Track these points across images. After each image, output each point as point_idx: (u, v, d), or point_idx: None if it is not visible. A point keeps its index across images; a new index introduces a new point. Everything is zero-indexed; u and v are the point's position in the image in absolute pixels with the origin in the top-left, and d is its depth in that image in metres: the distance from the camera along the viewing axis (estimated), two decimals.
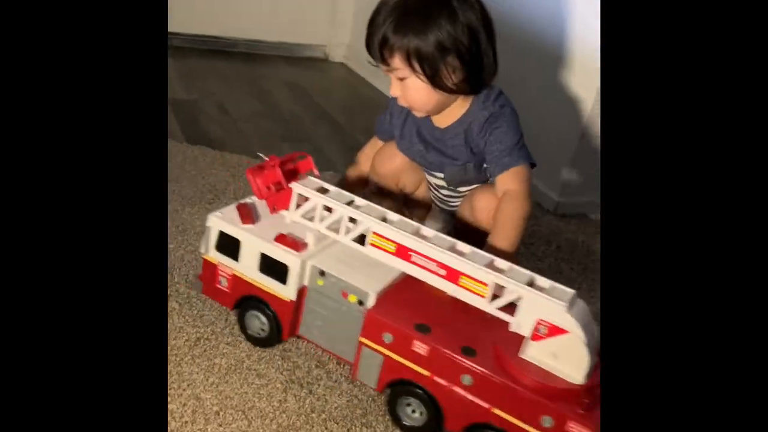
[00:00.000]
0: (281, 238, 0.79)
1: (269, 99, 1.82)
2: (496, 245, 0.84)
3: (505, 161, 0.88)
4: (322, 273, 0.77)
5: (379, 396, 0.77)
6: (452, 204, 1.02)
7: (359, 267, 0.77)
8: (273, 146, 1.50)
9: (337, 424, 0.73)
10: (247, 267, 0.80)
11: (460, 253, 0.71)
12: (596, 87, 1.29)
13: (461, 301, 0.72)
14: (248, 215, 0.82)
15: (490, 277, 0.68)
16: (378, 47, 0.85)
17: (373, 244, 0.75)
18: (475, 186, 0.97)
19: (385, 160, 1.01)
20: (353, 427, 0.73)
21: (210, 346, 0.80)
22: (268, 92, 1.87)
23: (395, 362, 0.72)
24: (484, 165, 0.93)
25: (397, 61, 0.84)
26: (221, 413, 0.71)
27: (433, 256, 0.71)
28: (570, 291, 0.68)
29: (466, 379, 0.68)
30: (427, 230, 0.75)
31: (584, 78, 1.32)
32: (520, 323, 0.67)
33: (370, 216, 0.75)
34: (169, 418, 0.68)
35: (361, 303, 0.75)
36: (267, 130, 1.59)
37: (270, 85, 1.93)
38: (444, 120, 0.93)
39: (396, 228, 0.73)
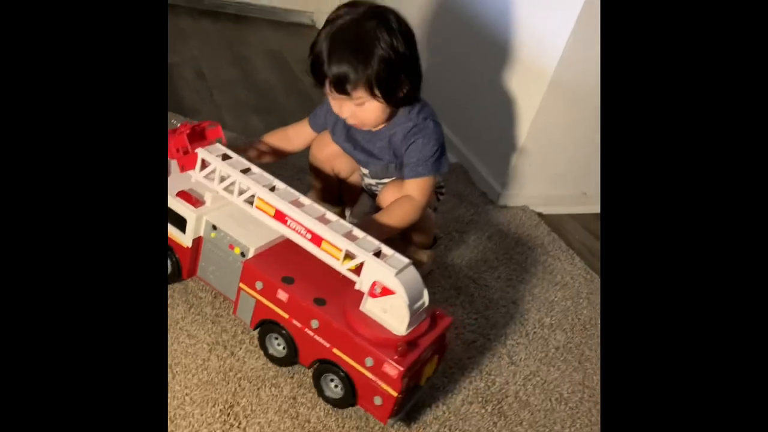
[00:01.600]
0: (183, 194, 0.92)
1: (248, 66, 1.89)
2: (374, 218, 0.97)
3: (418, 170, 1.00)
4: (215, 227, 0.91)
5: (295, 366, 0.89)
6: (376, 191, 1.13)
7: (246, 225, 0.92)
8: (242, 117, 1.59)
9: (250, 382, 0.85)
10: None
11: (326, 222, 0.85)
12: (546, 82, 1.37)
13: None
14: None
15: (343, 244, 0.82)
16: (336, 85, 0.93)
17: (258, 207, 0.89)
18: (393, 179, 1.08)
19: (322, 146, 1.12)
20: (263, 386, 0.85)
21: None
22: (248, 59, 1.94)
23: (264, 305, 0.87)
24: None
25: (360, 93, 0.93)
26: None
27: (303, 222, 0.85)
28: (404, 260, 0.81)
29: (314, 323, 0.82)
30: (305, 200, 0.88)
31: (533, 75, 1.40)
32: (362, 282, 0.82)
33: (257, 184, 0.88)
34: None
35: (243, 255, 0.89)
36: (239, 100, 1.67)
37: (251, 52, 2.00)
38: (370, 126, 1.02)
39: (277, 196, 0.86)
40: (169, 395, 0.80)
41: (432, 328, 0.83)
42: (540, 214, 1.53)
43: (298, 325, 0.84)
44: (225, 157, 0.92)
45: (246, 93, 1.73)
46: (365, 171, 1.10)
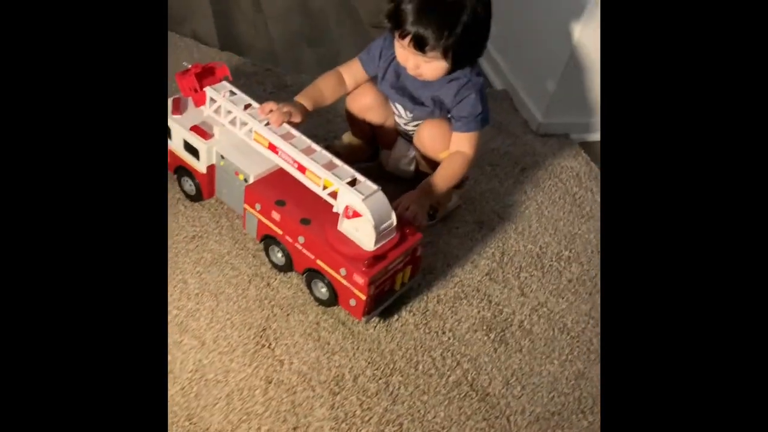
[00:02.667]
0: (195, 128, 1.09)
1: None
2: (433, 181, 1.08)
3: (470, 125, 1.08)
4: (223, 157, 1.07)
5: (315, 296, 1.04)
6: (412, 133, 1.21)
7: (249, 154, 1.06)
8: (294, 50, 1.68)
9: (281, 309, 1.01)
10: (177, 146, 1.12)
11: (310, 152, 0.98)
12: (584, 10, 1.34)
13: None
14: (178, 107, 1.11)
15: (322, 173, 0.95)
16: (415, 43, 0.98)
17: (255, 139, 1.02)
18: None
19: (359, 96, 1.18)
20: (292, 312, 1.01)
21: (201, 243, 1.09)
22: None
23: (263, 223, 1.03)
24: (449, 114, 1.11)
25: (434, 54, 0.99)
26: (199, 294, 1.01)
27: (290, 153, 0.98)
28: (373, 187, 0.94)
29: (301, 239, 0.99)
30: (295, 133, 1.01)
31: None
32: (338, 206, 0.95)
33: (254, 119, 1.01)
34: None
35: (245, 180, 1.05)
36: (292, 32, 1.75)
37: None
38: (428, 79, 1.07)
39: (269, 130, 1.00)
40: (213, 320, 0.97)
41: (401, 242, 0.97)
42: (583, 143, 1.54)
43: (290, 240, 1.01)
44: (232, 94, 1.07)
45: (300, 22, 1.80)
46: (405, 115, 1.17)
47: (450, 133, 1.11)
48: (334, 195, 0.96)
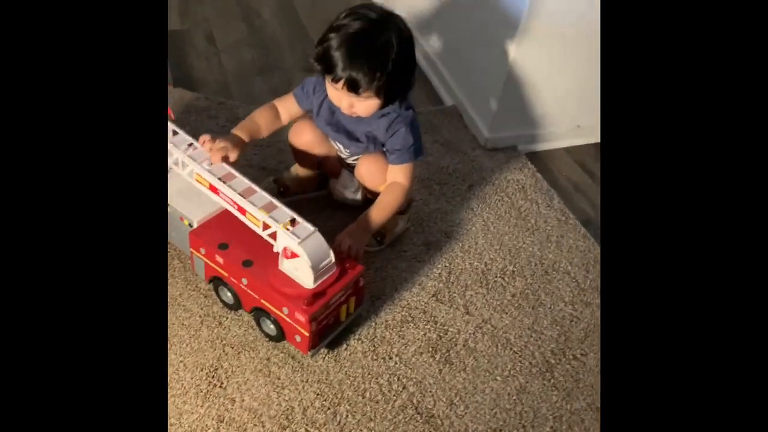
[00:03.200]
0: None
1: (257, 21, 1.98)
2: (369, 216, 1.12)
3: (403, 157, 1.13)
4: (168, 204, 1.11)
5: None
6: (353, 164, 1.25)
7: (192, 199, 1.11)
8: (246, 82, 1.72)
9: (233, 348, 1.06)
10: None
11: (250, 193, 1.02)
12: (520, 27, 1.39)
13: None
14: None
15: (261, 216, 1.00)
16: (349, 86, 1.02)
17: (197, 180, 1.07)
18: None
19: (299, 134, 1.23)
20: (243, 350, 1.05)
21: None
22: (256, 12, 2.03)
23: (209, 266, 1.08)
24: (383, 149, 1.16)
25: (367, 94, 1.03)
26: None
27: (230, 195, 1.02)
28: (310, 229, 0.98)
29: (245, 281, 1.03)
30: (235, 174, 1.05)
31: (507, 16, 1.42)
32: (278, 246, 1.00)
33: (194, 161, 1.05)
34: None
35: (190, 225, 1.10)
36: (245, 63, 1.79)
37: (260, 2, 2.08)
38: (362, 116, 1.12)
39: (209, 172, 1.04)
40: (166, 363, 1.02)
41: (341, 277, 1.02)
42: (530, 154, 1.59)
43: (234, 281, 1.05)
44: (174, 133, 1.10)
45: (252, 53, 1.84)
46: (343, 151, 1.22)
47: (386, 166, 1.16)
48: (273, 236, 1.00)
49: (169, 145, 1.07)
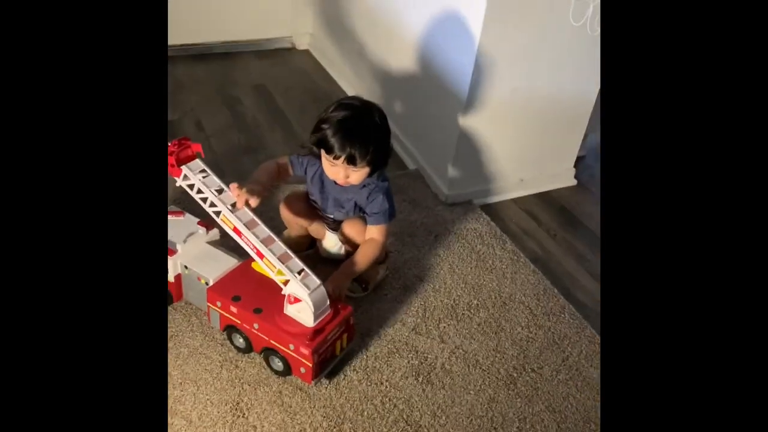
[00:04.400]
0: None
1: (238, 107, 2.26)
2: (351, 264, 1.36)
3: (379, 219, 1.39)
4: (186, 267, 1.32)
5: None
6: (335, 227, 1.51)
7: (208, 262, 1.33)
8: (235, 161, 1.97)
9: (250, 385, 1.26)
10: None
11: (270, 242, 1.23)
12: (465, 100, 1.68)
13: (262, 279, 1.25)
14: None
15: (277, 264, 1.21)
16: (348, 161, 1.27)
17: (222, 221, 1.23)
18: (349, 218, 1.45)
19: (290, 207, 1.50)
20: (259, 387, 1.26)
21: (178, 340, 1.34)
22: (238, 99, 2.30)
23: (224, 316, 1.28)
24: (362, 213, 1.42)
25: (361, 165, 1.29)
26: (182, 383, 1.25)
27: (251, 239, 1.23)
28: (316, 282, 1.20)
29: (255, 325, 1.24)
30: (258, 222, 1.24)
31: (451, 95, 1.72)
32: (286, 290, 1.21)
33: (223, 204, 1.22)
34: None
35: (207, 284, 1.30)
36: (232, 144, 2.05)
37: (240, 91, 2.36)
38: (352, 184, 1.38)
39: (236, 217, 1.21)
40: (196, 402, 1.22)
41: (335, 316, 1.23)
42: (484, 206, 1.86)
43: (247, 327, 1.26)
44: (203, 173, 1.25)
45: (238, 135, 2.10)
46: (328, 215, 1.47)
47: (365, 227, 1.41)
48: (284, 282, 1.23)
49: (202, 185, 1.22)
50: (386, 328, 1.42)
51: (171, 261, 1.34)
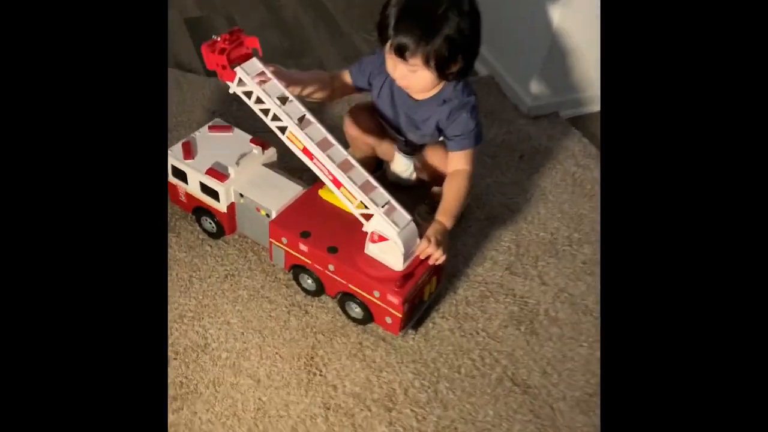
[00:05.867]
0: (210, 171, 1.11)
1: (275, 2, 1.95)
2: (441, 220, 1.07)
3: (464, 143, 1.11)
4: (241, 195, 1.11)
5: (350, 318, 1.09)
6: (408, 151, 1.25)
7: (267, 189, 1.11)
8: (278, 63, 1.69)
9: (324, 335, 1.07)
10: (194, 189, 1.15)
11: (348, 167, 1.00)
12: (561, 2, 1.38)
13: (338, 209, 1.06)
14: (189, 152, 1.14)
15: (358, 195, 0.99)
16: (396, 50, 1.00)
17: (289, 138, 1.00)
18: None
19: (353, 124, 1.23)
20: (335, 337, 1.07)
21: (235, 281, 1.13)
22: None
23: (291, 254, 1.08)
24: (440, 138, 1.16)
25: (416, 61, 1.01)
26: (244, 333, 1.06)
27: (327, 165, 0.99)
28: (407, 218, 0.99)
29: (331, 267, 1.04)
30: (332, 140, 1.00)
31: None
32: (368, 227, 1.00)
33: (289, 117, 0.98)
34: (210, 341, 1.04)
35: (268, 215, 1.09)
36: (272, 46, 1.76)
37: None
38: (420, 94, 1.11)
39: (306, 135, 0.98)
40: (263, 356, 1.03)
41: (426, 258, 1.02)
42: (572, 119, 1.59)
43: (320, 268, 1.05)
44: (262, 80, 1.00)
45: (278, 36, 1.81)
46: (401, 138, 1.21)
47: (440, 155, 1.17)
48: (366, 216, 1.00)
49: (261, 93, 0.98)
50: (475, 267, 1.20)
51: (223, 188, 1.11)
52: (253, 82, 0.99)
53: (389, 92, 1.15)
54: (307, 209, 1.09)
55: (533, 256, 1.24)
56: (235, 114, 1.49)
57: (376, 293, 1.00)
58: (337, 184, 1.00)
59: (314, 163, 1.01)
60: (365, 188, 0.99)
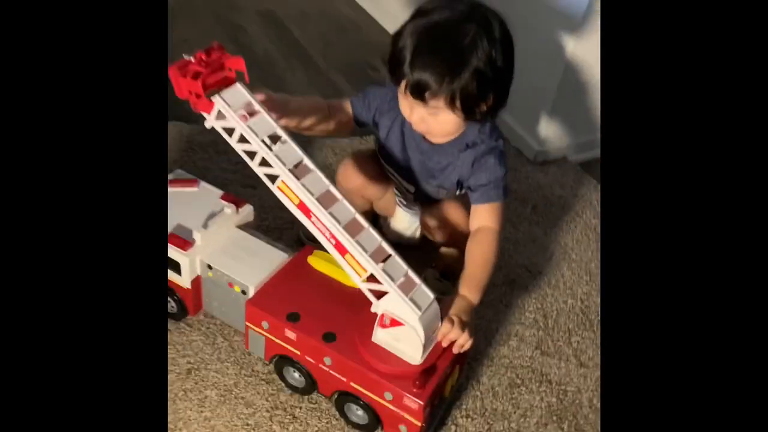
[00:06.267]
0: (171, 238, 0.87)
1: (243, 38, 1.75)
2: (466, 294, 0.85)
3: (491, 194, 0.90)
4: (210, 267, 0.88)
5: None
6: (413, 208, 1.05)
7: (243, 258, 0.89)
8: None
9: None
10: None
11: (357, 229, 0.77)
12: (572, 36, 1.22)
13: (334, 282, 0.87)
14: None
15: (369, 266, 0.76)
16: (413, 89, 0.81)
17: (280, 189, 0.77)
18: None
19: (349, 177, 1.01)
20: None
21: (200, 377, 0.89)
22: (242, 29, 1.79)
23: (274, 342, 0.85)
24: (458, 191, 0.95)
25: (438, 103, 0.81)
26: None
27: (330, 226, 0.76)
28: (429, 297, 0.78)
29: (327, 360, 0.81)
30: (335, 194, 0.78)
31: (564, 17, 1.25)
32: (378, 307, 0.78)
33: (283, 165, 0.75)
34: None
35: (244, 293, 0.87)
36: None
37: (243, 18, 1.84)
38: (437, 137, 0.91)
39: (304, 186, 0.75)
40: None
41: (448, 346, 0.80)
42: (584, 164, 1.42)
43: (311, 360, 0.82)
44: (248, 112, 0.77)
45: (248, 72, 1.60)
46: (410, 189, 1.00)
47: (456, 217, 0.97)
48: (377, 293, 0.78)
49: (248, 133, 0.75)
50: (498, 347, 0.99)
51: (186, 258, 0.87)
52: (236, 116, 0.76)
53: (399, 134, 0.95)
54: (294, 283, 0.87)
55: (564, 329, 1.03)
56: (200, 164, 1.26)
57: (388, 395, 0.78)
58: (342, 250, 0.77)
59: (312, 223, 0.78)
60: (377, 256, 0.77)
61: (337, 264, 0.87)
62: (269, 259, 0.89)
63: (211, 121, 0.78)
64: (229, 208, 0.93)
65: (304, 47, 1.74)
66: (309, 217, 0.77)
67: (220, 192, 0.96)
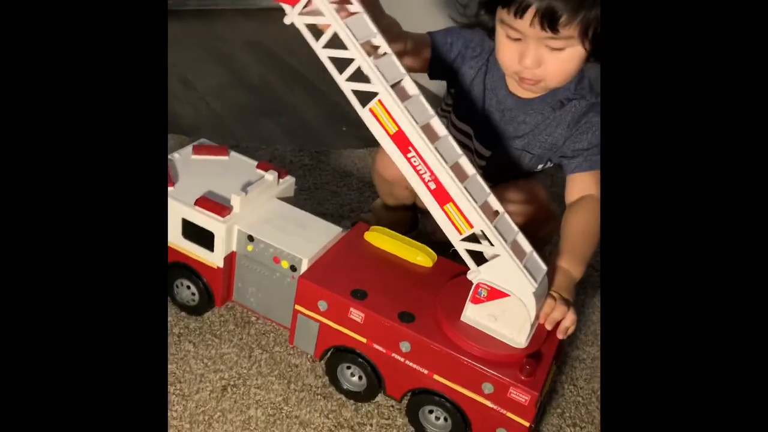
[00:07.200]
0: (202, 202, 0.71)
1: (234, 65, 1.64)
2: (566, 267, 0.71)
3: (594, 159, 0.78)
4: (251, 238, 0.72)
5: None
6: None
7: (291, 229, 0.73)
8: (251, 123, 1.35)
9: None
10: (170, 232, 0.73)
11: (462, 175, 0.61)
12: None
13: (399, 260, 0.72)
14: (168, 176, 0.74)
15: (478, 221, 0.59)
16: (544, 17, 0.66)
17: (372, 111, 0.60)
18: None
19: (389, 165, 0.86)
20: None
21: (239, 394, 0.70)
22: (232, 56, 1.68)
23: (332, 329, 0.68)
24: (541, 165, 0.83)
25: (570, 32, 0.68)
26: None
27: (432, 166, 0.59)
28: (543, 268, 0.63)
29: (405, 346, 0.64)
30: (438, 126, 0.61)
31: None
32: (480, 276, 0.62)
33: (383, 78, 0.58)
34: None
35: (294, 269, 0.71)
36: (241, 105, 1.43)
37: (231, 48, 1.74)
38: (524, 90, 0.78)
39: (407, 110, 0.59)
40: None
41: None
42: None
43: (382, 350, 0.66)
44: (343, 4, 0.59)
45: (245, 95, 1.48)
46: (484, 154, 0.86)
47: (546, 192, 0.84)
48: (477, 257, 0.62)
49: (339, 30, 0.57)
50: (585, 347, 0.84)
51: (222, 226, 0.70)
52: (331, 9, 0.57)
53: (482, 87, 0.82)
54: (354, 259, 0.71)
55: None
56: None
57: (487, 387, 0.61)
58: (444, 198, 0.60)
59: (407, 160, 0.60)
60: (487, 212, 0.61)
61: (402, 240, 0.73)
62: (321, 232, 0.74)
63: (292, 16, 0.59)
64: (270, 175, 0.77)
65: (300, 72, 1.64)
66: (405, 152, 0.60)
67: (254, 162, 0.81)
